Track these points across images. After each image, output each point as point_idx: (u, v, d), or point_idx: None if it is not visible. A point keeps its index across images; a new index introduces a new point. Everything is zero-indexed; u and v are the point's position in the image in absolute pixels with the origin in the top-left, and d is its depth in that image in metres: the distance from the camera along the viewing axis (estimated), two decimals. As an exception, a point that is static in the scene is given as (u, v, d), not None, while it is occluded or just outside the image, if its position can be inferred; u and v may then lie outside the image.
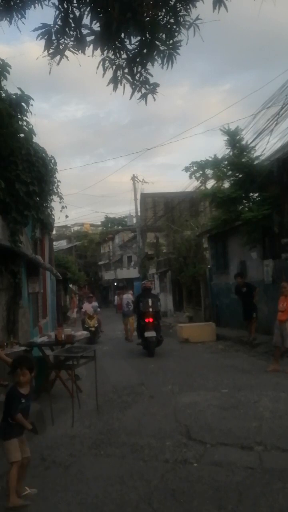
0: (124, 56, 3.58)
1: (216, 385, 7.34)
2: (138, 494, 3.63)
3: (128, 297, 16.13)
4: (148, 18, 3.32)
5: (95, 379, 6.43)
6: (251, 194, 12.70)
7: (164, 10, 3.40)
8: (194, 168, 18.14)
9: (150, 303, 11.77)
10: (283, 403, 6.06)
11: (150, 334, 11.37)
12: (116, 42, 3.47)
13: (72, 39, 3.40)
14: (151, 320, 11.54)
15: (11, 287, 8.01)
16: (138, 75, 3.63)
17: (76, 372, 6.41)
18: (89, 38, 3.43)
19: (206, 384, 7.48)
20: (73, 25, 3.35)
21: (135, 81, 3.64)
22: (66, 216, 9.32)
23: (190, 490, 3.66)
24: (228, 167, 13.02)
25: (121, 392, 7.24)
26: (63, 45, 3.42)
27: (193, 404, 6.24)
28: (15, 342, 7.08)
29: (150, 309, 11.70)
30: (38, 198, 7.82)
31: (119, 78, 3.61)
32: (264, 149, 12.50)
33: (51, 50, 3.41)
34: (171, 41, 3.49)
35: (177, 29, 3.46)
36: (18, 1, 3.41)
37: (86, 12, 3.36)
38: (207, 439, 4.82)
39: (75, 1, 3.37)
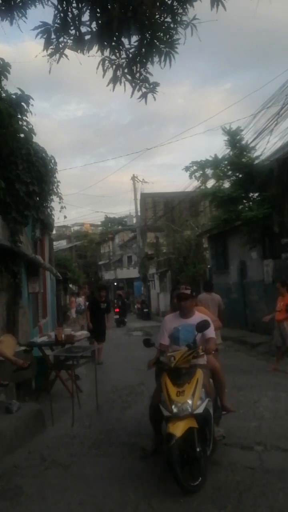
0: (123, 55, 3.58)
1: (216, 385, 7.31)
2: (138, 494, 3.62)
3: (79, 300, 20.64)
4: (147, 18, 3.32)
5: (95, 379, 6.43)
6: (251, 194, 12.71)
7: (161, 9, 3.40)
8: (194, 167, 18.07)
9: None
10: (283, 403, 6.06)
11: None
12: (114, 43, 3.47)
13: (71, 38, 3.40)
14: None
15: (11, 287, 7.99)
16: (137, 74, 3.63)
17: (76, 372, 6.40)
18: (88, 38, 3.42)
19: (206, 384, 7.45)
20: (71, 24, 3.36)
21: (135, 80, 3.65)
22: (65, 217, 9.30)
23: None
24: (228, 167, 13.02)
25: (121, 392, 7.24)
26: (62, 44, 3.42)
27: (193, 404, 6.23)
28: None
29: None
30: (38, 198, 7.82)
31: (119, 77, 3.62)
32: (264, 149, 12.57)
33: (50, 49, 3.41)
34: (169, 38, 3.49)
35: (175, 26, 3.46)
36: (18, 0, 3.41)
37: (85, 12, 3.36)
38: (207, 439, 4.80)
39: (74, 1, 3.37)
